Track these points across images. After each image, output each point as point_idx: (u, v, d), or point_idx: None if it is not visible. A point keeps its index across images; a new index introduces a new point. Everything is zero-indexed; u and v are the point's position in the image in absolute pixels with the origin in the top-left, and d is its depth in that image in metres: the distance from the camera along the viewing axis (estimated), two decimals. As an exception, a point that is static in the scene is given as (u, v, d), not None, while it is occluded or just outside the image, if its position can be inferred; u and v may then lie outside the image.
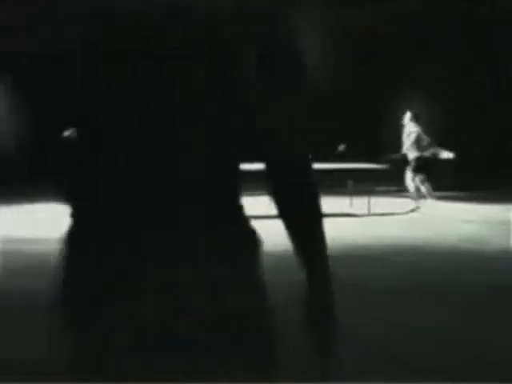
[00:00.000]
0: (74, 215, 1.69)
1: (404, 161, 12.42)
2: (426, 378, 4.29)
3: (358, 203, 12.04)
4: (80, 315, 1.80)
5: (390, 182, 13.85)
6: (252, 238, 1.68)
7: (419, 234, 9.67)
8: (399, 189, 14.42)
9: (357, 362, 4.57)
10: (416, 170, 12.16)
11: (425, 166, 12.11)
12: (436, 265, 7.74)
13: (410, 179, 12.31)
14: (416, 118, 12.13)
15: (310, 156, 1.77)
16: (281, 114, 1.58)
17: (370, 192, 11.81)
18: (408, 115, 12.13)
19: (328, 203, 10.67)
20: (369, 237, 9.52)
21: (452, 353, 4.77)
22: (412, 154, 12.07)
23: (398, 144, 12.89)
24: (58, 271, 1.79)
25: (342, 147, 11.95)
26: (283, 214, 1.73)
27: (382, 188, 13.99)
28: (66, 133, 7.78)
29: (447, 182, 13.57)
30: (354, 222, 11.03)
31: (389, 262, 7.90)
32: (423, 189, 12.20)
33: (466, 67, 17.81)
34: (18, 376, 4.24)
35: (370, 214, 11.52)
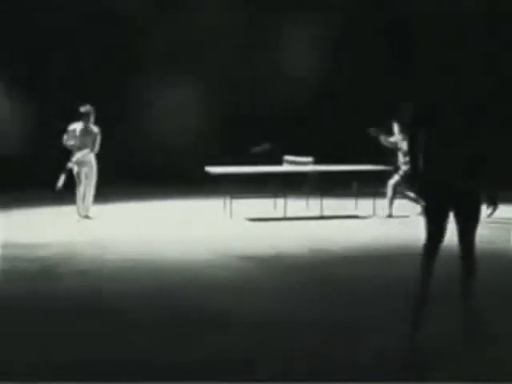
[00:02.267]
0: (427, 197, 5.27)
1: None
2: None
3: (363, 205, 12.08)
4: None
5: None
6: None
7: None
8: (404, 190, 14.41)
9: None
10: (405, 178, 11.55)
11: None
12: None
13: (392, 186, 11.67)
14: (403, 127, 11.65)
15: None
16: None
17: (375, 194, 11.82)
18: (396, 126, 11.68)
19: (333, 205, 10.64)
20: (374, 238, 9.55)
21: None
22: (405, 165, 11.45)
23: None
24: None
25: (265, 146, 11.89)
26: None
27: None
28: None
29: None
30: (358, 223, 11.06)
31: (393, 263, 7.92)
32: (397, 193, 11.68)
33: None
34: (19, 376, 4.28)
35: (374, 216, 11.55)
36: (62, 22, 17.20)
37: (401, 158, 11.45)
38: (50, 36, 17.07)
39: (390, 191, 11.47)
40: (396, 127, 11.57)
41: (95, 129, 11.09)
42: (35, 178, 13.12)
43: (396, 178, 11.45)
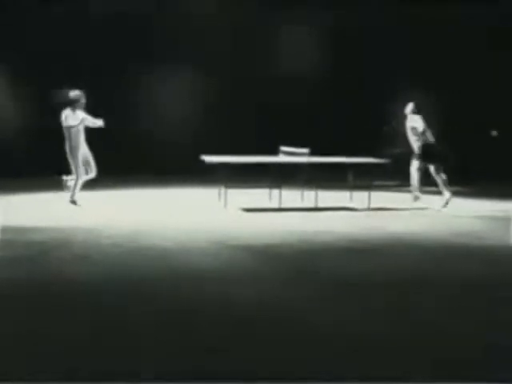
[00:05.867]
0: None
1: (407, 154, 12.43)
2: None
3: (358, 197, 12.11)
4: None
5: (390, 176, 13.85)
6: None
7: (416, 229, 9.72)
8: (400, 183, 14.41)
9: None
10: (420, 159, 12.15)
11: (433, 155, 12.12)
12: (432, 259, 7.80)
13: (415, 169, 12.21)
14: (419, 110, 12.10)
15: None
16: None
17: (370, 186, 11.84)
18: (410, 106, 12.13)
19: (328, 197, 10.69)
20: (367, 230, 9.56)
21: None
22: (416, 144, 12.14)
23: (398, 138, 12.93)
24: None
25: None
26: None
27: (382, 182, 14.00)
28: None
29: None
30: (353, 215, 11.07)
31: (387, 256, 7.94)
32: (438, 179, 12.10)
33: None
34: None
35: (369, 209, 11.57)
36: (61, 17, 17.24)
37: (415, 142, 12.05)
38: (50, 29, 17.07)
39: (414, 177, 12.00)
40: (411, 108, 12.20)
41: (81, 115, 11.03)
42: (33, 164, 13.10)
43: (415, 163, 12.03)
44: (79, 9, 17.42)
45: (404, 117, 12.25)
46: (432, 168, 11.93)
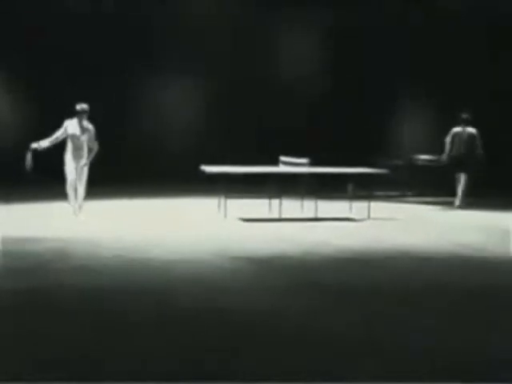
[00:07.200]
0: None
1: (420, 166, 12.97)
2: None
3: (358, 207, 12.13)
4: None
5: (391, 187, 13.88)
6: None
7: (416, 240, 9.73)
8: (400, 194, 14.45)
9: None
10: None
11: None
12: (433, 270, 7.81)
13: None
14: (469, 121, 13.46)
15: None
16: None
17: (370, 197, 11.86)
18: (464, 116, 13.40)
19: (328, 207, 10.68)
20: (366, 241, 9.56)
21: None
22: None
23: (398, 148, 12.98)
24: None
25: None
26: None
27: (382, 193, 14.02)
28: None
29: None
30: (352, 226, 11.09)
31: (386, 266, 7.96)
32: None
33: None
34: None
35: (369, 219, 11.60)
36: (61, 20, 17.21)
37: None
38: (50, 32, 17.05)
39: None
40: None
41: (90, 126, 11.13)
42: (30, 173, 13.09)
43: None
44: (79, 9, 17.39)
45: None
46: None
